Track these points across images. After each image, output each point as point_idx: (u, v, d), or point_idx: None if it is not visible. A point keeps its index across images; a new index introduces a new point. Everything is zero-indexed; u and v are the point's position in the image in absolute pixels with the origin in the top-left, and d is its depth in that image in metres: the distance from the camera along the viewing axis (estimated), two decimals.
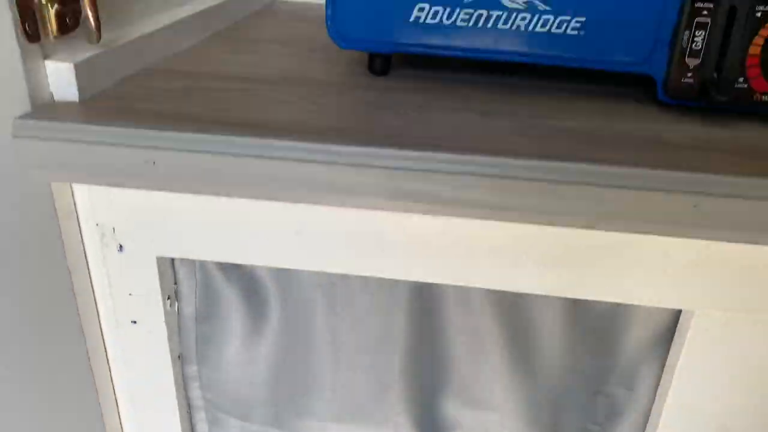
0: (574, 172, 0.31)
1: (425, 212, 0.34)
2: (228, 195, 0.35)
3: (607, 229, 0.33)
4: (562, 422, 0.45)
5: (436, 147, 0.32)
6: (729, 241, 0.33)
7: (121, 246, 0.40)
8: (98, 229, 0.39)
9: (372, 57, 0.44)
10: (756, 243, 0.32)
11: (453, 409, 0.45)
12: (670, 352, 0.40)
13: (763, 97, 0.38)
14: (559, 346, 0.42)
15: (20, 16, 0.33)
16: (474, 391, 0.44)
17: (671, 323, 0.39)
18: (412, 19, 0.40)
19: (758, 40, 0.36)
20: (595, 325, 0.41)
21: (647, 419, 0.43)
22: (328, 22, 0.42)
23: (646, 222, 0.32)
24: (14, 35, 0.33)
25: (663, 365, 0.41)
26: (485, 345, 0.41)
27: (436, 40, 0.41)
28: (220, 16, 0.57)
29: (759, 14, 0.36)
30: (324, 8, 0.41)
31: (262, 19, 0.63)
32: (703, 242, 0.34)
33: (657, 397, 0.42)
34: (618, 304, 0.39)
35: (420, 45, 0.41)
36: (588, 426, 0.45)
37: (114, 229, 0.39)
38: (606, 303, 0.39)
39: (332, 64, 0.47)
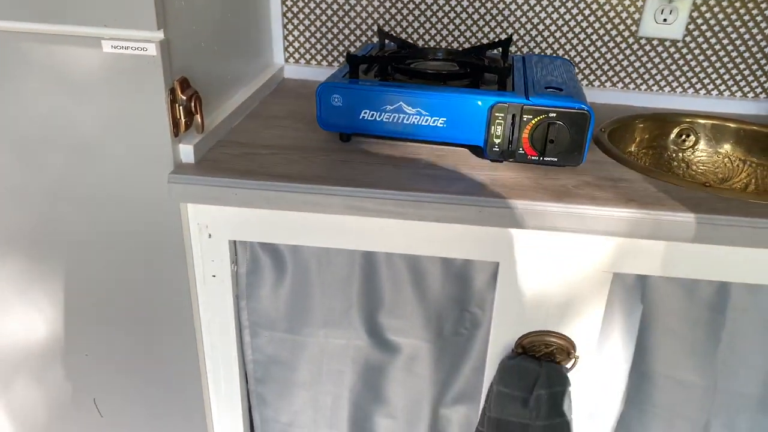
0: (428, 199, 0.69)
1: (366, 216, 0.72)
2: (269, 208, 0.73)
3: (449, 223, 0.71)
4: (445, 328, 0.83)
5: (369, 185, 0.70)
6: (499, 226, 0.71)
7: (210, 234, 0.78)
8: (199, 226, 0.77)
9: (341, 134, 0.83)
10: (503, 227, 0.70)
11: (386, 320, 0.83)
12: (496, 285, 0.78)
13: (530, 158, 0.76)
14: (438, 284, 0.79)
15: (173, 127, 0.71)
16: (396, 308, 0.81)
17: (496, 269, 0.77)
18: (360, 118, 0.79)
19: (526, 132, 0.75)
20: (457, 272, 0.79)
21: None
22: (318, 116, 0.80)
23: (462, 220, 0.70)
24: (169, 136, 0.71)
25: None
26: (398, 282, 0.79)
27: (373, 128, 0.79)
28: (253, 100, 0.95)
29: (524, 119, 0.74)
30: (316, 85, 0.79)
31: (277, 98, 1.01)
32: (495, 229, 0.72)
33: (494, 312, 0.80)
34: (468, 260, 0.77)
35: (366, 130, 0.79)
36: (460, 330, 0.83)
37: (207, 225, 0.77)
38: (461, 259, 0.77)
39: (320, 133, 0.85)
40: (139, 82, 0.68)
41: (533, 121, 0.74)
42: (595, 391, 0.84)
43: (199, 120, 0.75)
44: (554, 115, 0.73)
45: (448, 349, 0.84)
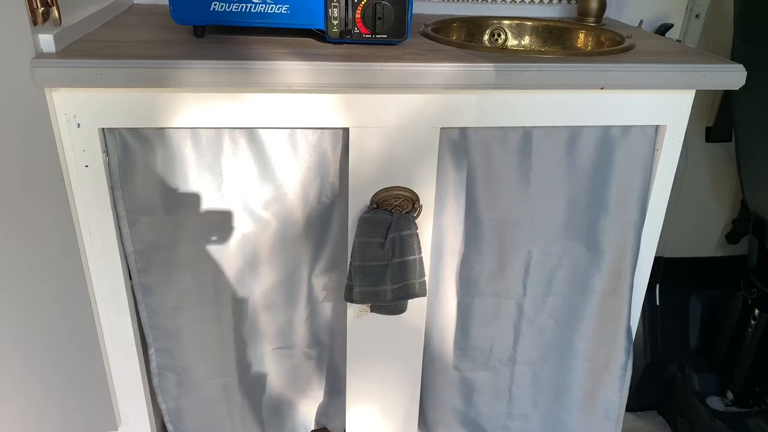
0: (280, 66, 0.80)
1: (221, 91, 0.81)
2: (134, 86, 0.80)
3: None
4: (310, 198, 0.94)
5: (223, 59, 0.80)
6: (345, 91, 0.84)
7: (78, 124, 0.83)
8: (66, 116, 0.82)
9: (195, 28, 0.91)
10: (349, 91, 0.83)
11: (256, 194, 0.93)
12: (348, 149, 0.91)
13: (365, 36, 0.89)
14: (299, 156, 0.91)
15: (31, 14, 0.76)
16: (264, 181, 0.92)
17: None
18: (211, 8, 0.87)
19: (358, 12, 0.88)
20: (314, 143, 0.90)
21: None
22: (171, 11, 0.88)
23: (313, 87, 0.82)
24: (29, 25, 0.76)
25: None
26: (263, 157, 0.90)
27: (225, 18, 0.88)
28: (108, 12, 1.00)
29: (355, 1, 0.87)
30: (167, 7, 0.87)
31: (130, 14, 1.06)
32: (342, 96, 0.85)
33: (349, 174, 0.93)
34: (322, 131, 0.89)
35: (217, 20, 0.88)
36: (323, 199, 0.95)
37: (75, 115, 0.82)
38: (317, 131, 0.89)
39: (176, 32, 0.93)
40: None
41: (363, 2, 0.87)
42: (440, 235, 1.00)
43: (56, 13, 0.80)
44: None
45: (315, 217, 0.96)
